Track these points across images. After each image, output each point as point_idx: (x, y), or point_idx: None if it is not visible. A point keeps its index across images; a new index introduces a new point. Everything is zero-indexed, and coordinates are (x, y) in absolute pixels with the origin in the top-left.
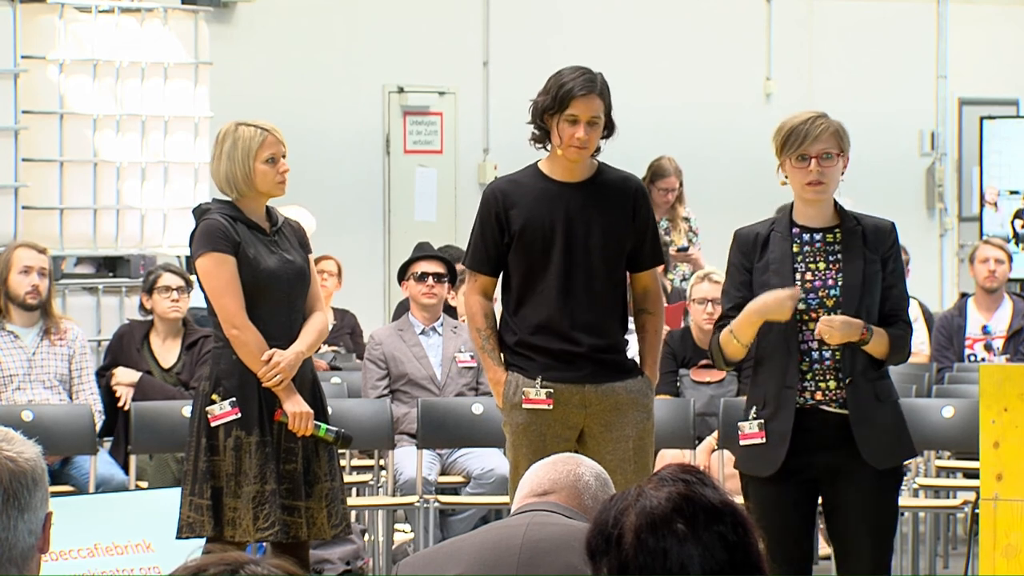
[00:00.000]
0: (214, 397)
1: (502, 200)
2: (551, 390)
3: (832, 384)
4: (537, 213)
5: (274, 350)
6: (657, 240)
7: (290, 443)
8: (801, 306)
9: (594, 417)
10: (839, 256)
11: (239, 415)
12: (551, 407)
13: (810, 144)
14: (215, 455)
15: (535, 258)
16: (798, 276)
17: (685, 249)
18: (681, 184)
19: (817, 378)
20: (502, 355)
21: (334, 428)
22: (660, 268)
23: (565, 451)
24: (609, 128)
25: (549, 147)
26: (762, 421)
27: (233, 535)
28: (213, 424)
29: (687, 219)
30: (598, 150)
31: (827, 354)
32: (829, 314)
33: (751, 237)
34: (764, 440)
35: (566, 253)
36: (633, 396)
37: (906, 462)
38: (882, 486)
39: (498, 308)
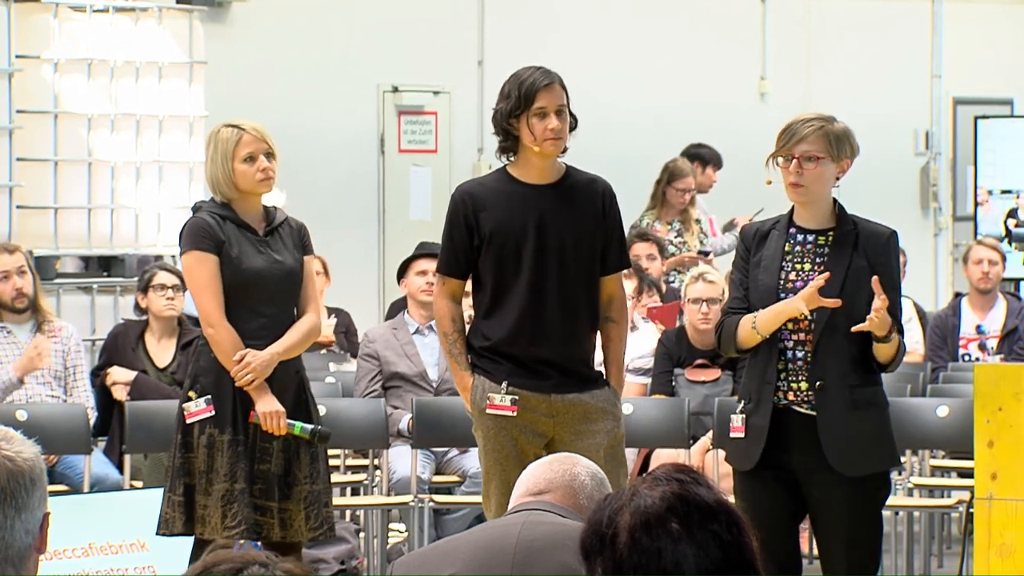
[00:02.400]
0: (191, 394)
1: (471, 203)
2: (516, 397)
3: (804, 385)
4: (508, 216)
5: (248, 350)
6: (623, 244)
7: (265, 443)
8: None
9: (563, 426)
10: (826, 259)
11: (213, 412)
12: (515, 414)
13: (794, 144)
14: (189, 452)
15: (507, 261)
16: (783, 275)
17: (707, 253)
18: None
19: (791, 378)
20: (469, 358)
21: (309, 425)
22: (625, 273)
23: (536, 458)
24: (572, 121)
25: (512, 158)
26: (744, 416)
27: (203, 532)
28: (188, 421)
29: (698, 221)
30: (565, 150)
31: (800, 354)
32: (805, 315)
33: (752, 232)
34: (744, 435)
35: (538, 255)
36: (601, 405)
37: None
38: (858, 493)
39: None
